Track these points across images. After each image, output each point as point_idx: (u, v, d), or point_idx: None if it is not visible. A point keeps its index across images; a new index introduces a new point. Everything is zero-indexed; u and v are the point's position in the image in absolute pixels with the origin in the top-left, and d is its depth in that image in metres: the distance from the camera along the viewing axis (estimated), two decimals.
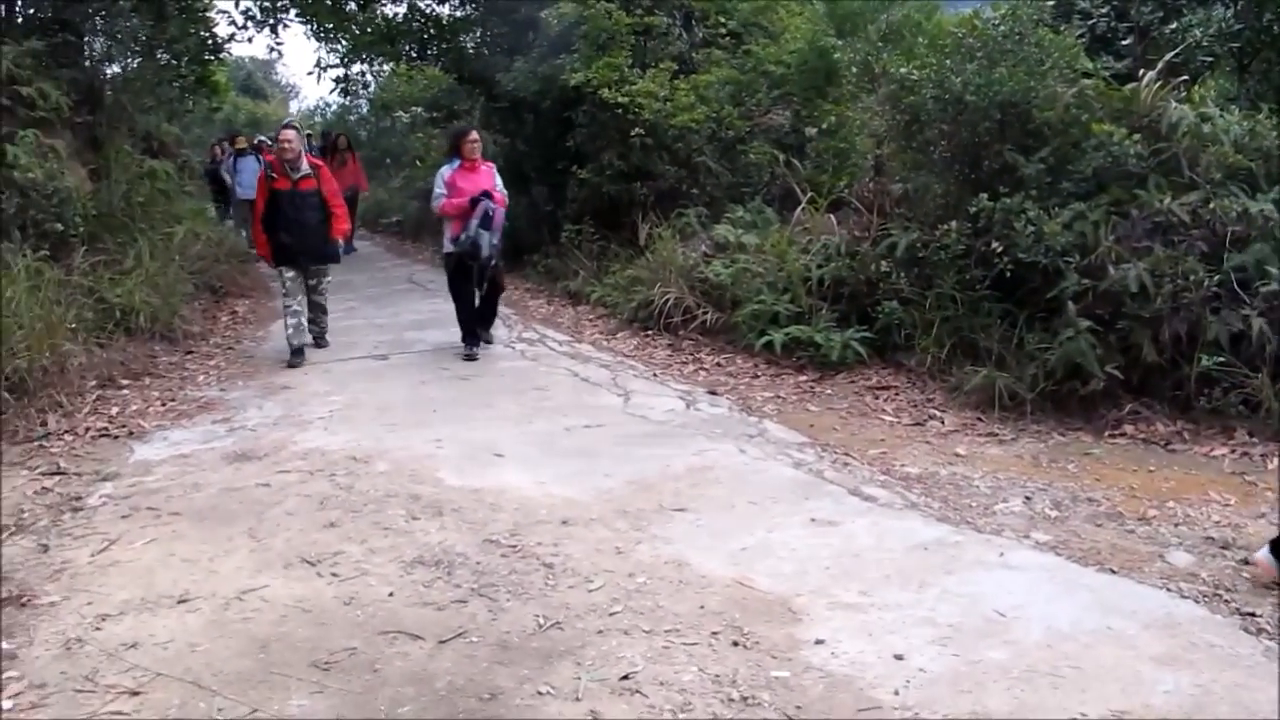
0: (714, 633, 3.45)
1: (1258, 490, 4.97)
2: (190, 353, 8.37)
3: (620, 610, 3.63)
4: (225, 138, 17.73)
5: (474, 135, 8.08)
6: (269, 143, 13.90)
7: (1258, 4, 8.51)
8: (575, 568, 4.01)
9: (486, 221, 7.67)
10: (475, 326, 8.26)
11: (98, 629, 3.55)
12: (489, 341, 8.51)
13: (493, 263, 7.99)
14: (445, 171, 7.94)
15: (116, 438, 6.01)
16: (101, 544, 4.33)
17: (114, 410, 6.50)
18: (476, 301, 8.27)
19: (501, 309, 10.83)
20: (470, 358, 8.05)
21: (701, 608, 3.65)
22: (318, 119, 29.71)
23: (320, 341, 8.72)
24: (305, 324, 8.29)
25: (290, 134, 8.27)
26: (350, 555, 4.16)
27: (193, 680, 3.17)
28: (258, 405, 6.76)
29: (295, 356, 8.03)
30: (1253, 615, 3.56)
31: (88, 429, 6.10)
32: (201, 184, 16.79)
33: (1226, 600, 3.71)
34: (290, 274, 8.04)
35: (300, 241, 8.01)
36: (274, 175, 7.99)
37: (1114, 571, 3.98)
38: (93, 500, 4.92)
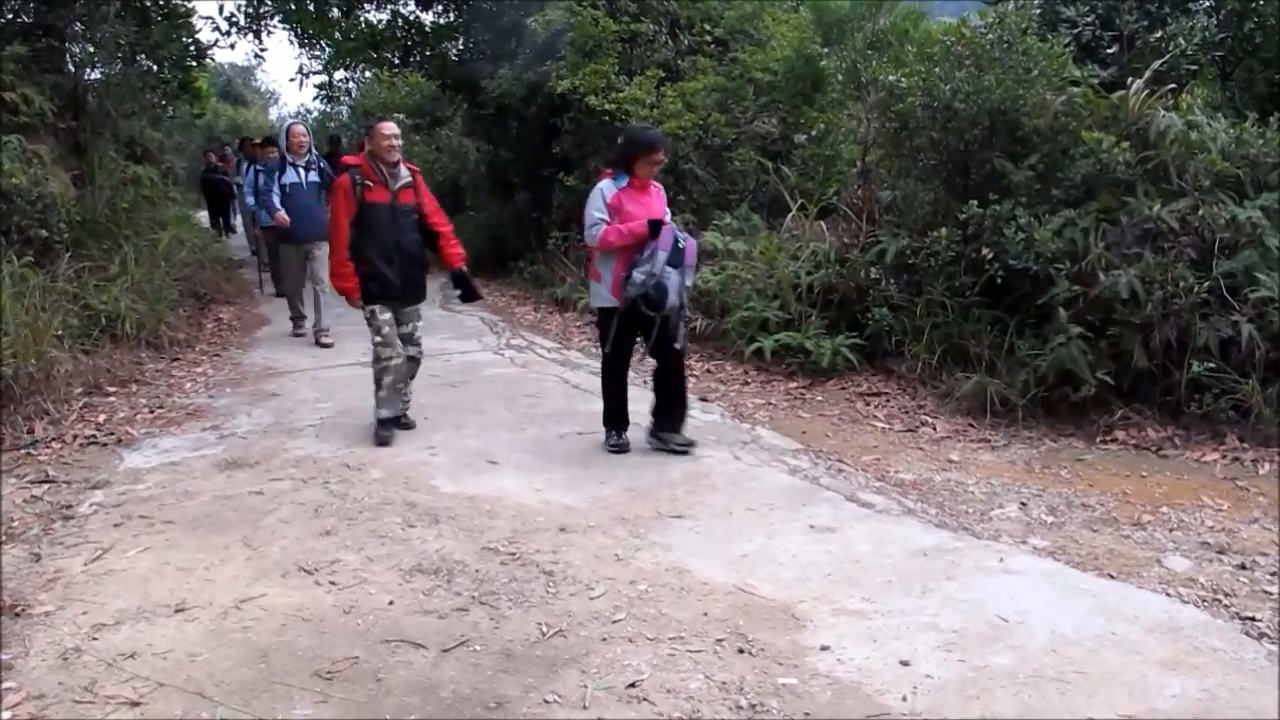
0: (719, 640, 3.44)
1: (1250, 495, 5.01)
2: (177, 360, 8.31)
3: (623, 618, 3.62)
4: (218, 142, 17.34)
5: (662, 149, 5.73)
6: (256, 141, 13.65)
7: (1240, 13, 8.61)
8: (576, 575, 3.99)
9: (677, 256, 5.44)
10: (666, 425, 5.78)
11: (94, 639, 3.50)
12: (687, 447, 5.72)
13: (684, 317, 5.72)
14: (607, 190, 5.58)
15: (105, 445, 5.95)
16: (94, 553, 4.28)
17: (101, 418, 6.43)
18: (650, 377, 5.97)
19: (488, 315, 10.86)
20: (620, 449, 5.73)
21: (705, 615, 3.64)
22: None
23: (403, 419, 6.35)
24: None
25: (391, 128, 6.02)
26: (348, 563, 4.13)
27: (194, 690, 3.14)
28: (247, 412, 6.71)
29: (387, 429, 6.04)
30: (1253, 620, 3.59)
31: (75, 436, 6.04)
32: (184, 190, 16.59)
33: (1226, 605, 3.73)
34: (386, 316, 6.01)
35: (403, 273, 5.98)
36: (367, 183, 5.86)
37: (1113, 577, 4.00)
38: (83, 508, 4.87)
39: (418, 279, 6.12)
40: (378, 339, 6.01)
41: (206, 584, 3.95)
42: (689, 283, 5.62)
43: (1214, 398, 5.70)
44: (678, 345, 5.67)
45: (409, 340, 6.19)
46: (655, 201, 5.69)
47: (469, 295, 6.45)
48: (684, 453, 5.66)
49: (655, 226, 5.46)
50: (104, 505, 4.90)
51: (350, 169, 5.93)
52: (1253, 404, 5.58)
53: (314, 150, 9.54)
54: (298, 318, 9.69)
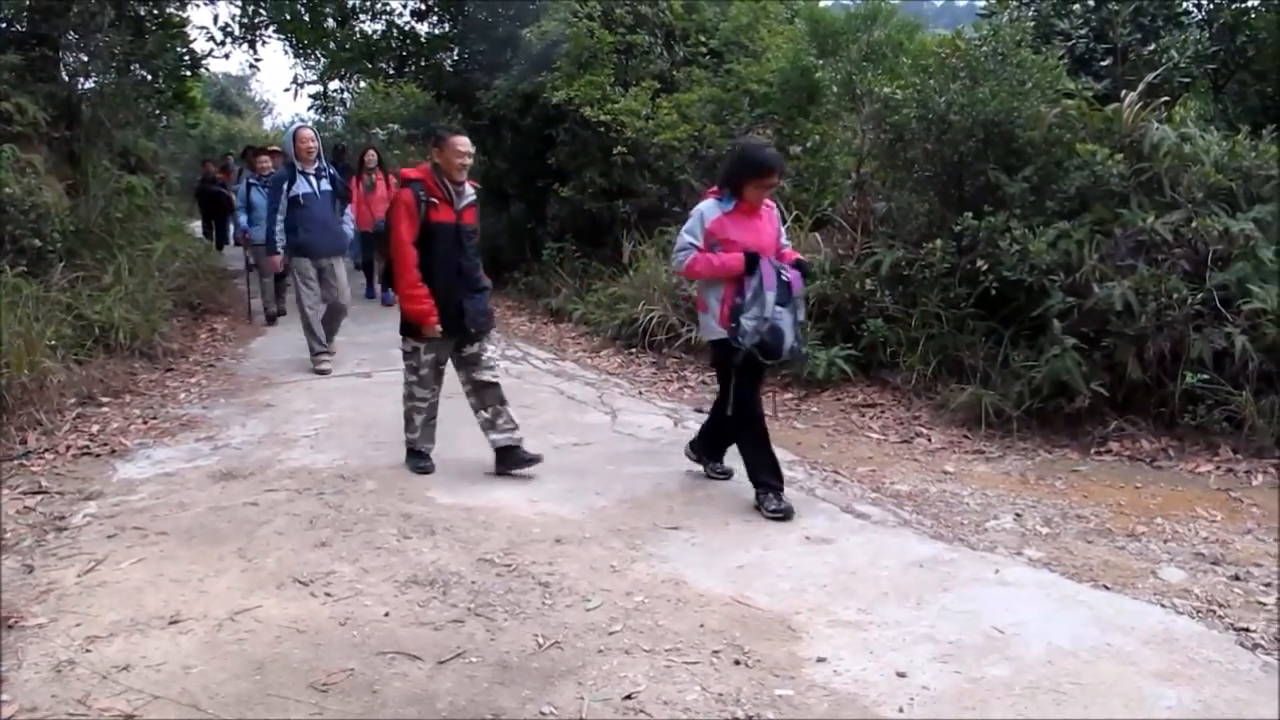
0: (715, 651, 3.43)
1: (1243, 507, 5.02)
2: (170, 370, 8.29)
3: (619, 629, 3.61)
4: (216, 152, 16.66)
5: (778, 172, 5.00)
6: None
7: (1232, 27, 8.67)
8: (572, 586, 3.99)
9: (785, 293, 4.83)
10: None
11: (88, 651, 3.48)
12: (724, 473, 5.44)
13: (802, 354, 5.46)
14: (708, 213, 4.89)
15: (98, 456, 5.93)
16: (88, 564, 4.26)
17: (95, 428, 6.42)
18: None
19: None
20: (783, 515, 4.77)
21: (701, 626, 3.63)
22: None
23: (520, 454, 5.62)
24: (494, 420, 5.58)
25: (467, 144, 5.45)
26: (343, 575, 4.12)
27: (189, 703, 3.12)
28: (241, 423, 6.69)
29: (423, 460, 5.67)
30: (1248, 631, 3.59)
31: (69, 447, 6.02)
32: (178, 200, 16.53)
33: (1221, 616, 3.73)
34: (430, 357, 5.51)
35: (475, 302, 5.48)
36: (431, 200, 5.29)
37: (1108, 588, 4.00)
38: (77, 519, 4.85)
39: (485, 306, 5.58)
40: (413, 377, 5.56)
41: (201, 596, 3.94)
42: (801, 317, 5.02)
43: (1207, 409, 5.71)
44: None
45: (483, 365, 5.55)
46: (766, 226, 4.99)
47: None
48: (723, 474, 5.42)
49: (752, 262, 4.76)
50: (97, 516, 4.88)
51: (412, 183, 5.34)
52: (1246, 415, 5.59)
53: (323, 157, 8.62)
54: (321, 351, 8.47)
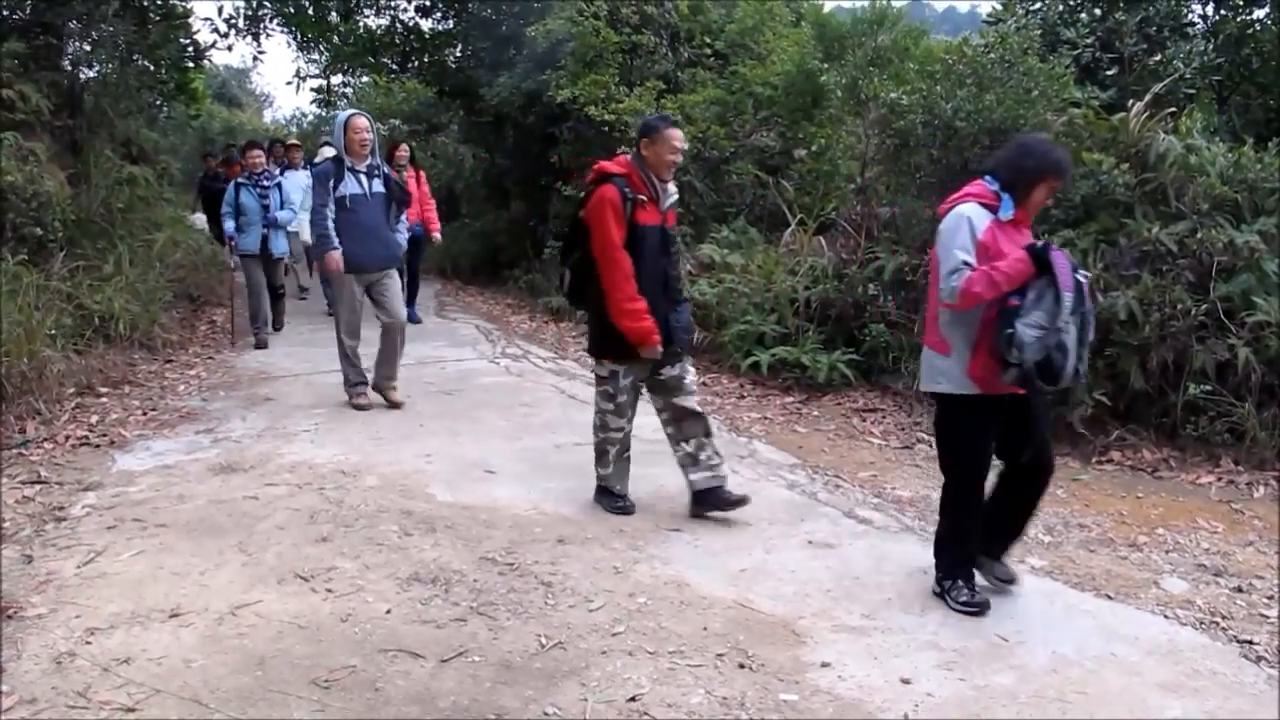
0: (719, 654, 3.42)
1: (1245, 518, 5.03)
2: (170, 361, 8.27)
3: (623, 630, 3.60)
4: (218, 145, 15.59)
5: (1057, 173, 3.79)
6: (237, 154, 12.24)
7: (1237, 39, 8.69)
8: (574, 587, 3.97)
9: (1079, 300, 3.57)
10: (999, 550, 4.03)
11: (88, 643, 3.46)
12: (1007, 579, 4.04)
13: (1081, 376, 3.77)
14: (978, 221, 3.70)
15: (98, 447, 5.90)
16: (87, 555, 4.23)
17: (94, 419, 6.39)
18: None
19: (483, 323, 10.81)
20: (980, 609, 3.79)
21: (704, 629, 3.62)
22: (293, 127, 29.57)
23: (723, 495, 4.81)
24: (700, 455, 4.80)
25: (681, 137, 4.71)
26: (345, 571, 4.10)
27: (190, 697, 3.10)
28: (241, 416, 6.67)
29: (619, 501, 4.94)
30: (1250, 643, 3.59)
31: (68, 437, 5.99)
32: (179, 191, 16.29)
33: (1224, 628, 3.73)
34: (629, 381, 4.79)
35: (680, 315, 4.80)
36: (639, 198, 4.55)
37: (1111, 597, 4.01)
38: (76, 510, 4.82)
39: (689, 320, 4.92)
40: (609, 405, 4.81)
41: (201, 589, 3.92)
42: (1091, 335, 3.72)
43: (1210, 420, 5.72)
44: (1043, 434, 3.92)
45: (683, 390, 4.78)
46: (1025, 240, 3.79)
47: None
48: (1008, 580, 4.03)
49: (1040, 256, 3.55)
50: (97, 507, 4.86)
51: (614, 178, 4.58)
52: (1248, 427, 5.60)
53: (377, 152, 7.08)
54: (358, 381, 7.08)
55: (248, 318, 9.50)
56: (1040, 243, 3.64)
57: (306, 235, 8.48)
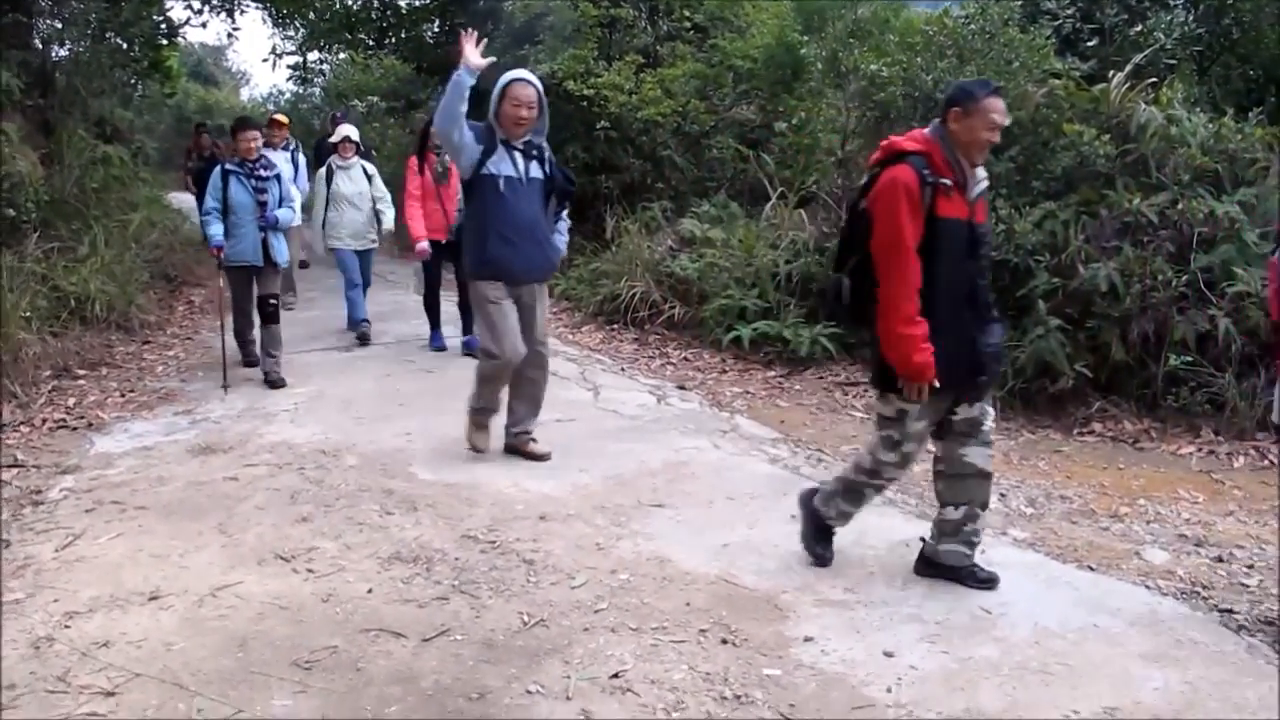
0: (702, 630, 3.42)
1: (1225, 489, 5.06)
2: (148, 343, 8.20)
3: (605, 607, 3.59)
4: (200, 124, 14.60)
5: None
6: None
7: (1217, 9, 8.68)
8: (556, 564, 3.96)
9: None
10: None
11: (67, 627, 3.43)
12: None
13: None
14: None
15: (75, 429, 5.85)
16: (66, 539, 4.20)
17: (71, 401, 6.33)
18: None
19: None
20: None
21: (688, 605, 3.61)
22: (270, 105, 29.26)
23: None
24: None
25: (1003, 107, 3.56)
26: (325, 551, 4.07)
27: (171, 680, 3.07)
28: (219, 397, 6.61)
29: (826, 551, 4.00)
30: (1231, 612, 3.60)
31: (44, 420, 5.94)
32: (154, 171, 15.99)
33: (1205, 598, 3.74)
34: (923, 425, 3.67)
35: (990, 336, 3.64)
36: (942, 183, 3.45)
37: (1093, 569, 4.01)
38: (53, 494, 4.78)
39: (1000, 345, 3.73)
40: (890, 456, 3.73)
41: (181, 571, 3.89)
42: None
43: (1190, 391, 5.74)
44: None
45: (979, 437, 3.71)
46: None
47: None
48: None
49: None
50: (75, 490, 4.82)
51: (911, 157, 3.48)
52: (1228, 398, 5.63)
53: (543, 132, 5.21)
54: (486, 422, 5.45)
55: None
56: None
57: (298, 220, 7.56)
